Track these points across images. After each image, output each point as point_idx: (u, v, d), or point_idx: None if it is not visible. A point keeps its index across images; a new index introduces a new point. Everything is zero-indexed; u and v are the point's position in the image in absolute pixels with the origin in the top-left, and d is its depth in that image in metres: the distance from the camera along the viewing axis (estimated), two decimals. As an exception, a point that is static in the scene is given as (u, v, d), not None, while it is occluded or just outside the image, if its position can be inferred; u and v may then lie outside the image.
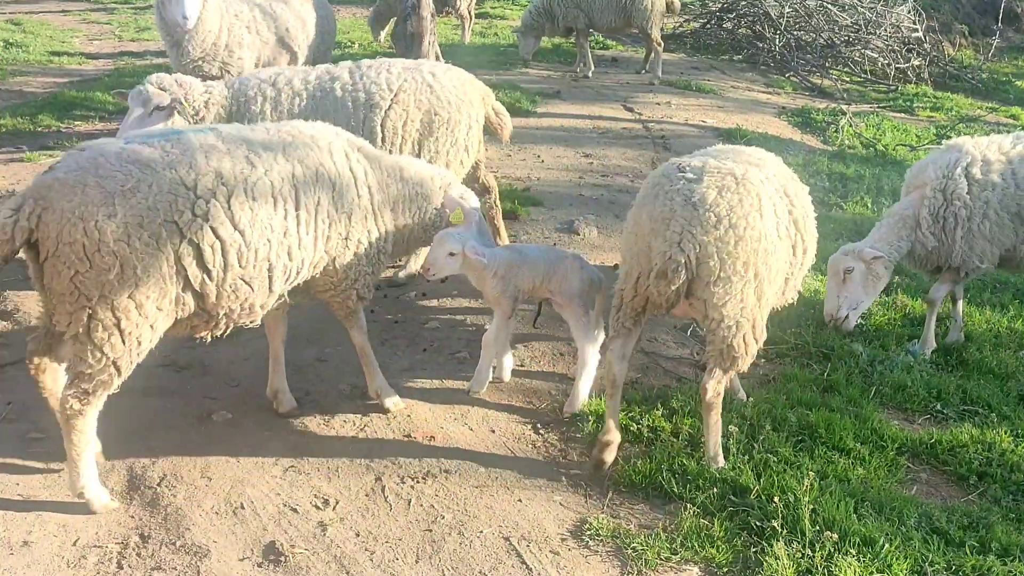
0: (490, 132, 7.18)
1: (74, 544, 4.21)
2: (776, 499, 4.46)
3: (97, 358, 4.15)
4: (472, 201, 5.50)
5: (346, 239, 4.85)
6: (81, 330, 4.11)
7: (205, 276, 4.30)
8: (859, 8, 17.23)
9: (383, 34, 16.24)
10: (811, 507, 4.46)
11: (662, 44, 14.62)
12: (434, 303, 6.68)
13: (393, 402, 5.35)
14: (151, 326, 4.23)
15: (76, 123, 11.48)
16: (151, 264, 4.12)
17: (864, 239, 6.55)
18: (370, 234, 4.97)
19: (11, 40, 17.02)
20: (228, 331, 4.66)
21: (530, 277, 5.41)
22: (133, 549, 4.21)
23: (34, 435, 4.98)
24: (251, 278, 4.44)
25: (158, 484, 4.66)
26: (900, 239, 6.45)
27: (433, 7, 10.60)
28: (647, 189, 4.86)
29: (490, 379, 5.60)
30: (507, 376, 5.72)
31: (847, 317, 6.34)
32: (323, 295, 5.04)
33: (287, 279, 4.66)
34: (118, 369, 4.23)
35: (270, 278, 4.54)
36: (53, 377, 4.53)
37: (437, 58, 10.63)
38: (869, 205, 9.66)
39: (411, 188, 5.22)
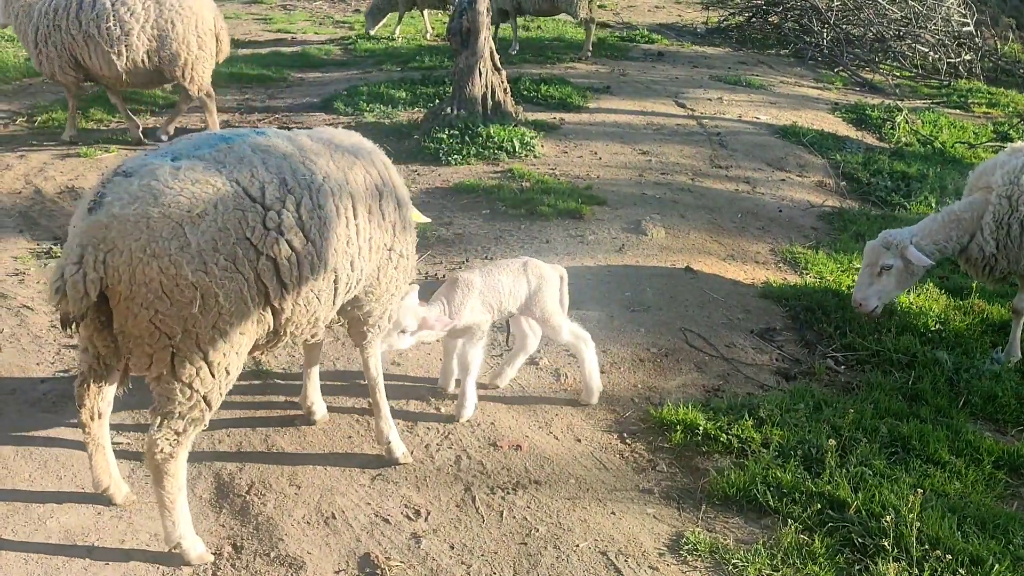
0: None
1: (168, 554, 4.14)
2: (883, 517, 4.34)
3: (187, 395, 3.86)
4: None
5: (391, 251, 4.61)
6: (165, 371, 3.81)
7: (283, 291, 3.99)
8: (909, 1, 16.96)
9: (374, 30, 17.00)
10: (917, 524, 4.34)
11: (595, 23, 15.39)
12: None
13: (402, 453, 4.90)
14: (236, 353, 3.95)
15: (128, 117, 11.45)
16: (232, 288, 3.81)
17: (908, 228, 6.42)
18: (406, 247, 4.73)
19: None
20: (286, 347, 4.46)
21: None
22: (227, 560, 4.15)
23: (116, 440, 4.94)
24: (320, 290, 4.18)
25: (247, 492, 4.60)
26: (949, 240, 6.31)
27: (488, 2, 10.45)
28: None
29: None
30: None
31: (875, 308, 6.35)
32: (363, 311, 4.69)
33: (347, 291, 4.41)
34: (209, 404, 3.95)
35: (335, 289, 4.28)
36: (102, 425, 4.31)
37: (492, 54, 10.52)
38: (933, 205, 9.47)
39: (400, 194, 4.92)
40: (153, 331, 3.74)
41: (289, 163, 4.08)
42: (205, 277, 3.73)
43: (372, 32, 17.02)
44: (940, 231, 6.34)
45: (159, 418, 3.90)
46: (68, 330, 3.77)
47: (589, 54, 15.32)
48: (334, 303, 4.33)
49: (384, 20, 17.34)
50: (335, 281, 4.24)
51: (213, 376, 3.90)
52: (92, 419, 4.25)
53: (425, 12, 17.48)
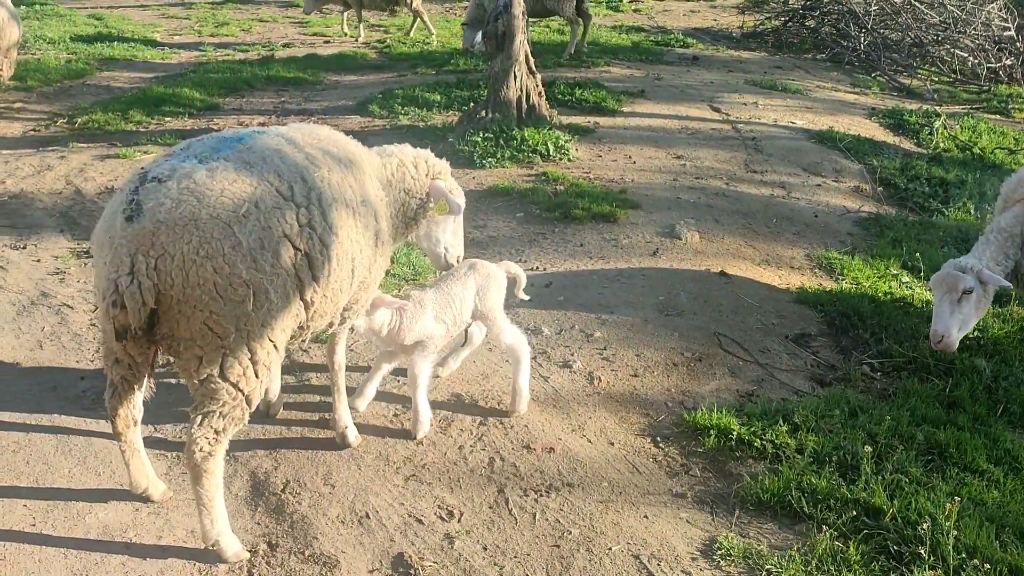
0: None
1: (204, 551, 4.19)
2: (919, 524, 4.31)
3: (232, 395, 3.88)
4: (460, 197, 5.28)
5: (377, 237, 4.59)
6: (215, 372, 3.82)
7: (316, 285, 4.05)
8: (948, 6, 16.78)
9: (312, 12, 18.27)
10: (953, 533, 4.29)
11: (580, 23, 15.56)
12: (541, 311, 6.57)
13: (355, 436, 5.03)
14: (277, 350, 4.00)
15: (166, 119, 11.62)
16: (279, 284, 3.86)
17: (968, 255, 6.22)
18: (387, 235, 4.75)
19: (95, 35, 17.32)
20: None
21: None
22: (262, 557, 4.20)
23: (156, 436, 5.00)
24: (342, 280, 4.23)
25: (282, 490, 4.64)
26: (1007, 258, 6.15)
27: (524, 6, 10.47)
28: None
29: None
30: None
31: (955, 342, 5.91)
32: (350, 299, 4.63)
33: (357, 279, 4.44)
34: (250, 403, 3.98)
35: (352, 278, 4.34)
36: (136, 431, 4.34)
37: (527, 58, 10.54)
38: (972, 211, 9.38)
39: (395, 188, 4.93)
40: (206, 332, 3.76)
41: (302, 161, 4.15)
42: (257, 274, 3.78)
43: (310, 14, 18.37)
44: (998, 251, 6.14)
45: (200, 416, 3.92)
46: (124, 341, 3.74)
47: (571, 55, 15.39)
48: (350, 292, 4.40)
49: (324, 7, 18.48)
50: (352, 271, 4.30)
51: (258, 376, 3.95)
52: (127, 427, 4.27)
53: (363, 13, 17.77)
